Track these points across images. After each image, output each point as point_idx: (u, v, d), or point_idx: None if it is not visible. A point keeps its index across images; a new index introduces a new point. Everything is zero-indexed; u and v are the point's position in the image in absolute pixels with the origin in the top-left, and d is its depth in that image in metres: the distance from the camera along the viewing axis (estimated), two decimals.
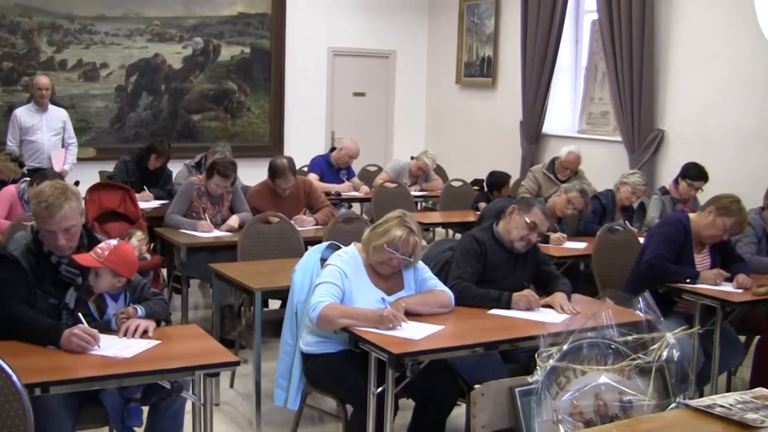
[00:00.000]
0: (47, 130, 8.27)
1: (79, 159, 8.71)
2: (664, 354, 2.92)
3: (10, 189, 6.22)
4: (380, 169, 9.67)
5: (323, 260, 4.20)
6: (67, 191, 3.58)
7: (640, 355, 2.94)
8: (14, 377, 2.83)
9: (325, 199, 7.14)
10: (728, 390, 5.33)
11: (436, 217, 8.39)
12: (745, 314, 5.36)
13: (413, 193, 8.90)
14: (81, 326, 3.36)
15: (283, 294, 4.89)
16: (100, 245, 3.65)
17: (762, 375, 5.16)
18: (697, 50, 8.32)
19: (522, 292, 4.30)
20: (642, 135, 8.76)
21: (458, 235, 7.77)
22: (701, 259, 5.18)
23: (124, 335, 3.47)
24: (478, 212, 7.22)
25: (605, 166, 8.87)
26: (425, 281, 4.21)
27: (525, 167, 9.97)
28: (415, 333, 3.80)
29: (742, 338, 5.52)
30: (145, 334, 3.50)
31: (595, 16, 9.42)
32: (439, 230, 9.53)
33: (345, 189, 8.78)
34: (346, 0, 11.64)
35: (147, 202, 7.32)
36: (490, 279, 4.44)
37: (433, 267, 4.43)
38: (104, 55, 10.18)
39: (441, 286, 4.23)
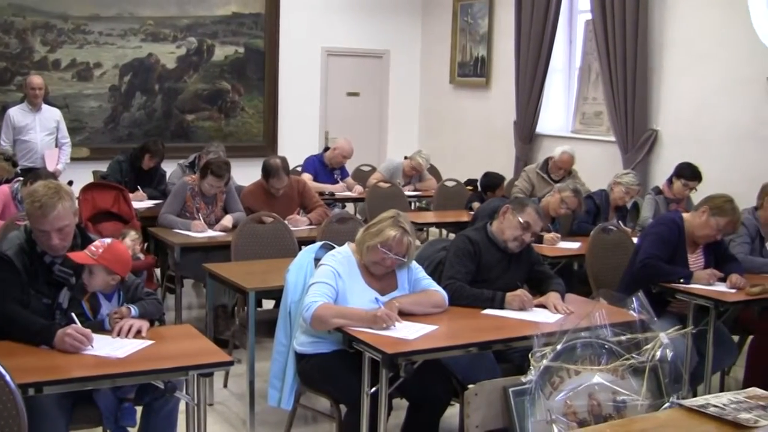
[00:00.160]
0: (41, 130, 8.25)
1: (73, 159, 8.70)
2: (658, 354, 2.93)
3: (4, 189, 6.20)
4: (374, 169, 9.66)
5: (317, 260, 4.21)
6: (60, 191, 3.57)
7: (633, 355, 2.94)
8: (8, 377, 2.82)
9: (319, 199, 7.14)
10: (722, 390, 5.34)
11: (429, 217, 8.38)
12: (739, 314, 5.37)
13: (407, 193, 8.90)
14: (74, 326, 3.36)
15: (276, 294, 4.89)
16: (94, 243, 3.65)
17: (755, 375, 5.16)
18: (691, 50, 8.33)
19: (515, 292, 4.31)
20: (636, 135, 8.77)
21: (452, 235, 7.77)
22: (695, 259, 5.18)
23: (118, 335, 3.47)
24: (472, 212, 7.22)
25: (599, 166, 8.88)
26: (419, 281, 4.22)
27: (519, 167, 9.98)
28: (409, 333, 3.80)
29: (736, 338, 5.53)
30: (138, 334, 3.50)
31: (589, 16, 9.42)
32: (433, 230, 9.52)
33: (339, 189, 8.78)
34: (340, 0, 11.64)
35: (140, 202, 7.30)
36: (484, 279, 4.45)
37: (427, 267, 4.43)
38: (98, 54, 10.17)
39: (435, 286, 4.23)
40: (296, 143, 10.97)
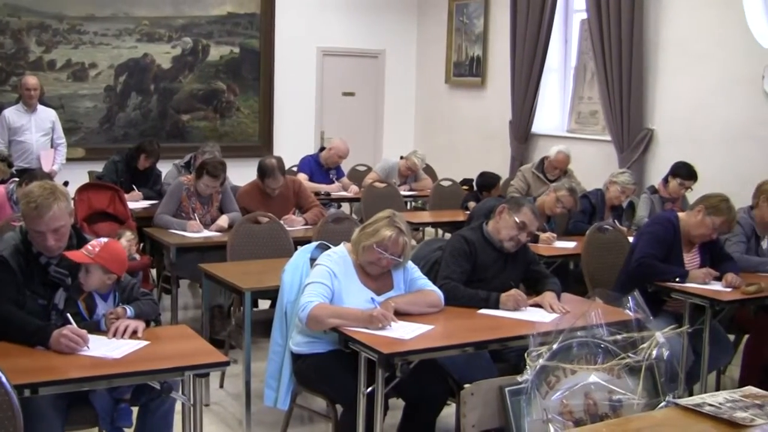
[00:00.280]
0: (36, 131, 8.24)
1: (68, 159, 8.69)
2: (654, 353, 2.93)
3: None
4: (369, 169, 9.66)
5: (313, 260, 4.20)
6: (56, 191, 3.57)
7: (629, 354, 2.95)
8: (3, 378, 2.81)
9: (315, 199, 7.13)
10: (717, 389, 5.34)
11: (425, 216, 8.39)
12: (735, 313, 5.38)
13: (403, 192, 8.90)
14: (70, 327, 3.36)
15: (272, 294, 4.89)
16: (91, 242, 3.65)
17: (751, 374, 5.17)
18: (686, 50, 8.34)
19: (509, 292, 4.30)
20: (631, 134, 8.78)
21: (448, 235, 7.77)
22: (690, 258, 5.19)
23: (114, 336, 3.47)
24: (468, 212, 7.22)
25: (594, 166, 8.88)
26: (415, 281, 4.21)
27: (514, 167, 9.98)
28: (405, 333, 3.80)
29: (732, 337, 5.54)
30: (134, 335, 3.50)
31: (584, 15, 9.43)
32: (429, 230, 9.52)
33: (334, 189, 8.78)
34: (335, 0, 11.64)
35: (136, 203, 7.31)
36: (480, 279, 4.45)
37: (423, 267, 4.43)
38: (93, 55, 10.15)
39: (430, 286, 4.23)
40: (292, 143, 10.97)
